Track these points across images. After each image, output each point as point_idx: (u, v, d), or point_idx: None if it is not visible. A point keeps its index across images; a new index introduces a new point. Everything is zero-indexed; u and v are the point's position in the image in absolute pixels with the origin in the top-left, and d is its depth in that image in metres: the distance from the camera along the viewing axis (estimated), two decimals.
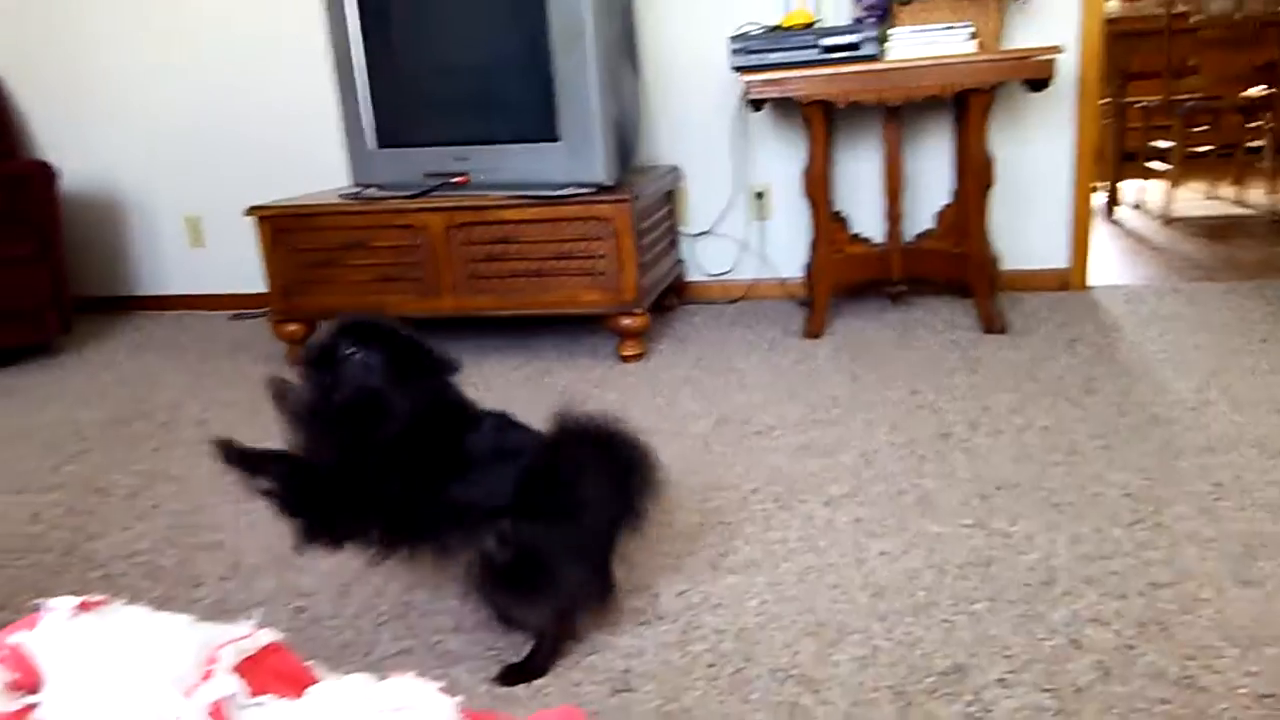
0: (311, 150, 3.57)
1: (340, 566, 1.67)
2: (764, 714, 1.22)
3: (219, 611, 1.47)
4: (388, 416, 1.26)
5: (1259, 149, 4.42)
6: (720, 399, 2.40)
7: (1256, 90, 4.41)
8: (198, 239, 3.85)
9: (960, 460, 1.93)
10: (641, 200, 2.77)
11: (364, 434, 1.27)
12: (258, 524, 1.82)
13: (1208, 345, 2.52)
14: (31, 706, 0.46)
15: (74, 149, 3.81)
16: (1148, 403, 2.16)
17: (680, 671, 1.32)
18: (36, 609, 0.54)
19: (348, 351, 1.26)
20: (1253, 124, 4.46)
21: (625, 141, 2.85)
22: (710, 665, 1.33)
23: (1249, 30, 4.02)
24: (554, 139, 2.69)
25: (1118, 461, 1.87)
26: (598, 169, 2.66)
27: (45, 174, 3.34)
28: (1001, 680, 1.25)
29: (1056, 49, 2.58)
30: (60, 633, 0.48)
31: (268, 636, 0.52)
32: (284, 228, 2.89)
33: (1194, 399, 2.15)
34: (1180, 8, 4.23)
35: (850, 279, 3.06)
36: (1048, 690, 1.23)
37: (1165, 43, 4.07)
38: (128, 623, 0.50)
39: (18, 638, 0.49)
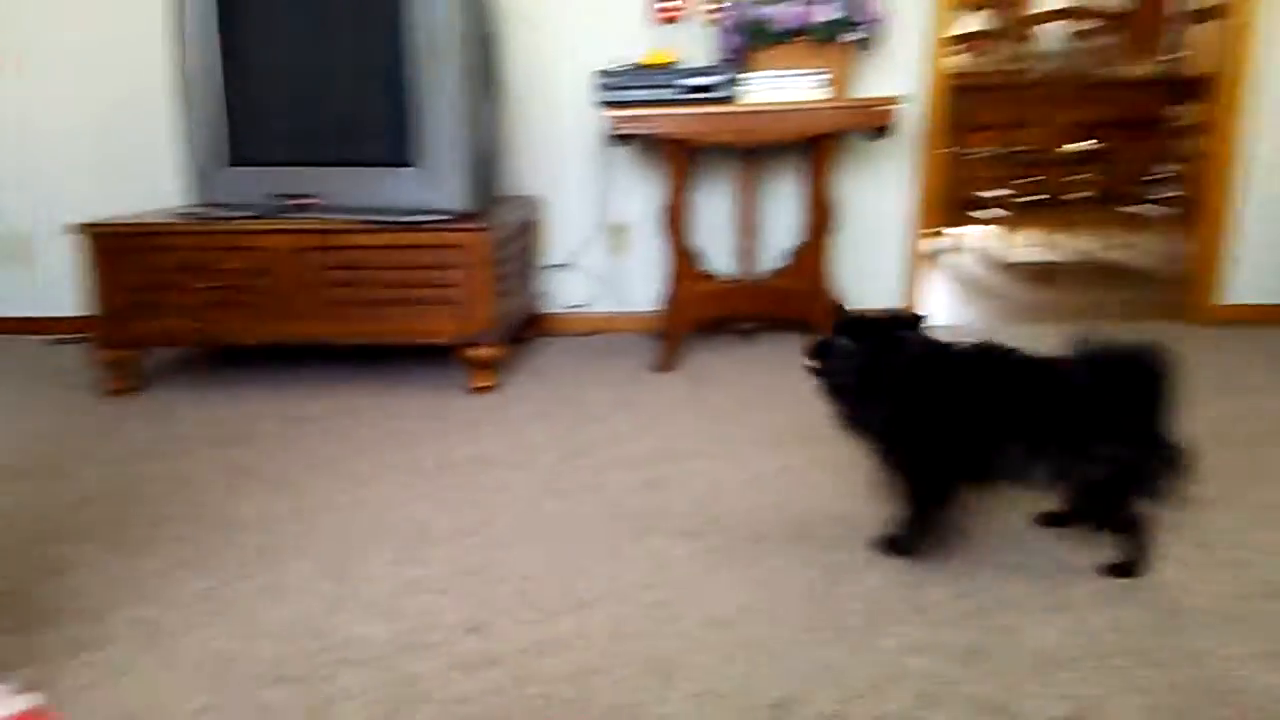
0: (146, 166, 3.39)
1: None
2: None
3: None
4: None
5: (1083, 200, 4.78)
6: (572, 433, 2.39)
7: (1081, 144, 4.78)
8: (26, 257, 3.58)
9: (802, 493, 1.98)
10: (499, 230, 2.75)
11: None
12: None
13: None
14: None
15: None
16: None
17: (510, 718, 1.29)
18: None
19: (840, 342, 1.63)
20: (1077, 177, 4.82)
21: (484, 170, 2.83)
22: (545, 710, 1.30)
23: (1077, 88, 4.35)
24: (410, 164, 2.64)
25: None
26: (454, 196, 2.62)
27: None
28: (835, 713, 1.28)
29: (898, 99, 2.72)
30: None
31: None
32: (115, 247, 2.72)
33: None
34: (1019, 65, 4.55)
35: (704, 315, 3.12)
36: None
37: (1003, 98, 4.36)
38: None
39: None
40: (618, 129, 2.77)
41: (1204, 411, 2.37)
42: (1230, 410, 2.41)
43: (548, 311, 3.45)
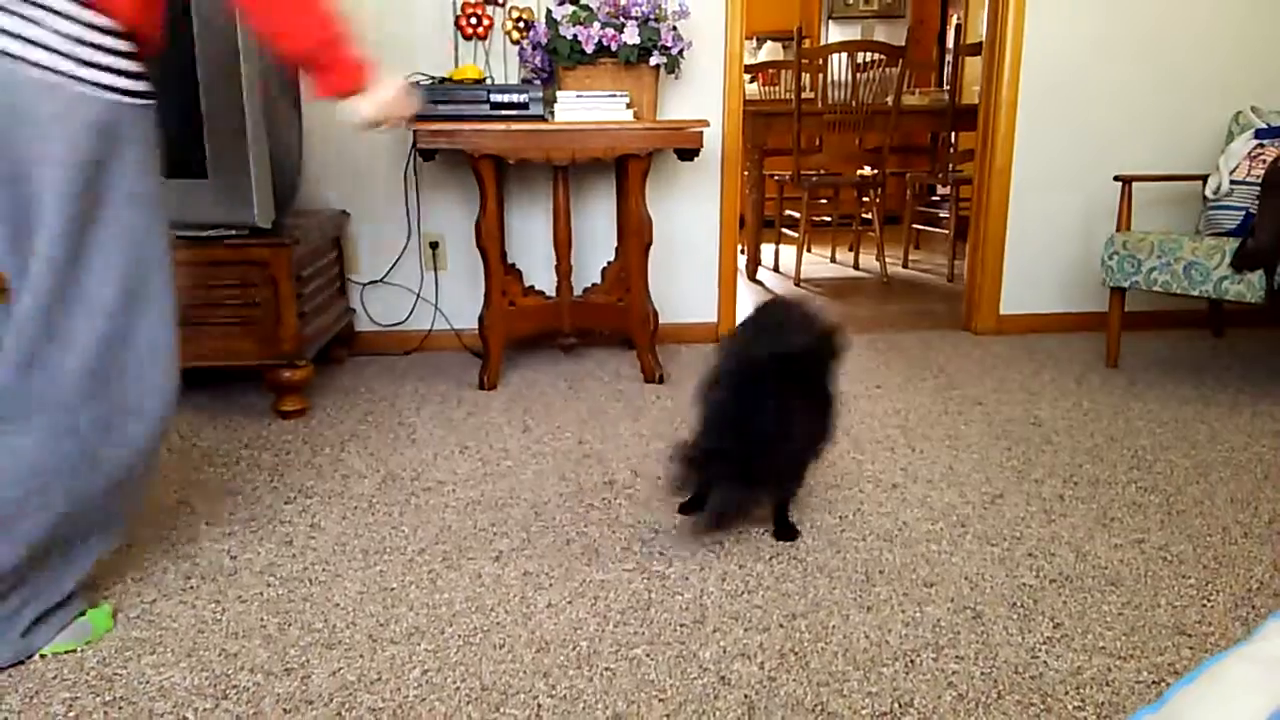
0: None
1: None
2: None
3: None
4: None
5: (870, 220, 5.12)
6: (388, 455, 2.31)
7: (867, 170, 5.12)
8: None
9: (624, 507, 2.00)
10: (303, 245, 2.62)
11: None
12: None
13: None
14: None
15: None
16: None
17: None
18: None
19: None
20: (864, 199, 5.16)
21: (285, 182, 2.69)
22: None
23: (862, 116, 4.65)
24: (201, 176, 2.47)
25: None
26: (252, 210, 2.47)
27: None
28: None
29: (704, 122, 2.81)
30: None
31: None
32: None
33: None
34: (807, 94, 4.82)
35: (523, 331, 3.10)
36: None
37: (794, 124, 4.60)
38: None
39: None
40: (426, 144, 2.71)
41: (982, 410, 2.59)
42: (1008, 410, 2.65)
43: (362, 330, 3.32)
